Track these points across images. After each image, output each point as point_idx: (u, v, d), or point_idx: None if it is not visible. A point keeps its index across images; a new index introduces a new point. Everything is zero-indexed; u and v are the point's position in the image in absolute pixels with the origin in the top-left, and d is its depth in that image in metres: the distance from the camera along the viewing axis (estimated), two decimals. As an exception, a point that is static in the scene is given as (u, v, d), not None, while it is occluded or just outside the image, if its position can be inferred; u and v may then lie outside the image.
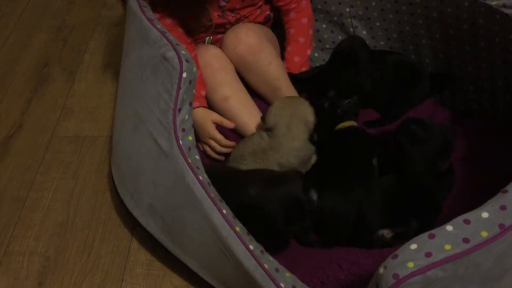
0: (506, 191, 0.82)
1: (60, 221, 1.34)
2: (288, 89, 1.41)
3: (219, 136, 1.30)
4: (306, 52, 1.50)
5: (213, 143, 1.32)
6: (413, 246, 0.77)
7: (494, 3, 1.16)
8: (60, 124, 1.62)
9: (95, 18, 2.04)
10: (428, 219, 1.10)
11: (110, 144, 1.51)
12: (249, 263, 0.94)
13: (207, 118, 1.30)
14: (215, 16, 1.42)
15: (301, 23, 1.48)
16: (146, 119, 1.11)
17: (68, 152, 1.53)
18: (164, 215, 1.11)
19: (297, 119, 1.26)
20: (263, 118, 1.29)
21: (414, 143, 1.14)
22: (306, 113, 1.27)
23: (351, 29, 1.56)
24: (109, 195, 1.39)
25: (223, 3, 1.41)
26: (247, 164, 1.23)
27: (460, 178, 1.22)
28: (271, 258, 0.98)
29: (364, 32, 1.55)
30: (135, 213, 1.20)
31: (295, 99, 1.33)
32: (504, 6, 1.14)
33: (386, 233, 1.07)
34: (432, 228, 1.02)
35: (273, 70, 1.40)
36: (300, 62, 1.48)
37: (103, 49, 1.90)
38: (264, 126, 1.28)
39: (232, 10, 1.43)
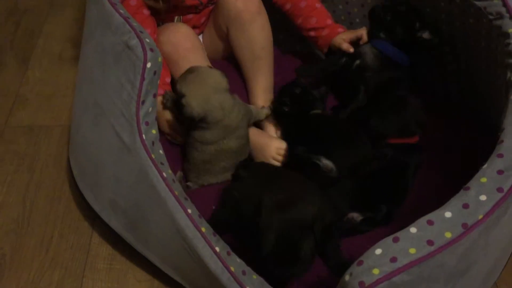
0: (468, 188, 0.83)
1: (16, 217, 1.28)
2: (268, 62, 1.37)
3: None
4: (329, 14, 1.43)
5: None
6: (378, 251, 0.77)
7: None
8: (14, 114, 1.54)
9: (49, 0, 1.95)
10: (396, 201, 1.12)
11: (68, 134, 1.45)
12: (215, 266, 0.92)
13: None
14: None
15: None
16: (107, 111, 1.07)
17: (22, 143, 1.46)
18: (127, 211, 1.07)
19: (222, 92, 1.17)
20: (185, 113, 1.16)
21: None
22: (221, 81, 1.18)
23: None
24: (67, 188, 1.34)
25: None
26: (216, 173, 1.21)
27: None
28: (238, 260, 0.97)
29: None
30: (96, 208, 1.16)
31: (201, 72, 1.18)
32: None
33: (356, 216, 1.08)
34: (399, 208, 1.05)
35: (263, 38, 1.36)
36: (333, 24, 1.42)
37: (58, 33, 1.81)
38: (193, 122, 1.17)
39: None
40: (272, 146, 1.26)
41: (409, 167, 1.16)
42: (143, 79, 1.01)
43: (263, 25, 1.36)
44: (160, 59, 1.04)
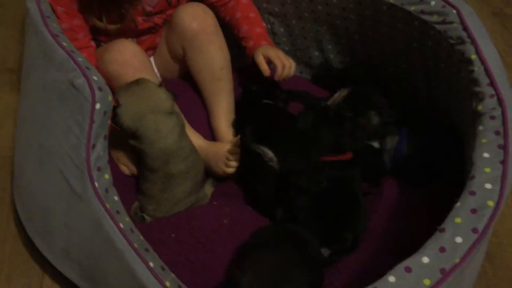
0: (444, 230, 0.81)
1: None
2: (228, 82, 1.33)
3: None
4: (262, 24, 1.39)
5: None
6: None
7: (412, 8, 1.14)
8: None
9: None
10: (357, 222, 1.09)
11: (8, 166, 1.35)
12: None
13: None
14: (140, 21, 1.29)
15: (243, 3, 1.38)
16: (54, 154, 0.98)
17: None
18: (82, 262, 0.99)
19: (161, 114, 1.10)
20: (115, 123, 1.10)
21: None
22: (164, 103, 1.11)
23: (269, 25, 1.50)
24: (13, 226, 1.24)
25: (149, 8, 1.29)
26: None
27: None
28: None
29: (282, 30, 1.50)
30: (48, 256, 1.07)
31: (146, 88, 1.11)
32: (423, 12, 1.12)
33: (324, 251, 1.05)
34: (362, 229, 1.03)
35: (221, 58, 1.31)
36: (263, 32, 1.37)
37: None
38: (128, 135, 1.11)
39: (159, 13, 1.32)
40: (221, 152, 1.21)
41: (353, 181, 1.13)
42: (92, 121, 0.93)
43: (220, 45, 1.31)
44: (110, 98, 0.96)
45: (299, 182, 1.09)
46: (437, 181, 1.14)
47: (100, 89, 0.94)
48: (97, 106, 0.93)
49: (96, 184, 0.92)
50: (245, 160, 1.17)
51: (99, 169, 0.94)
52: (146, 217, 1.13)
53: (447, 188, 1.05)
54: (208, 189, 1.22)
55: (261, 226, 1.09)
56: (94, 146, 0.94)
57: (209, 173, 1.24)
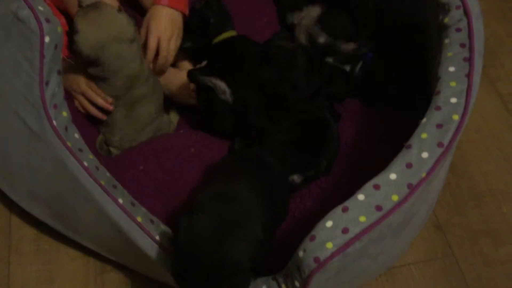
0: (410, 146, 0.81)
1: None
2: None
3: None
4: None
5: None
6: (329, 224, 0.75)
7: None
8: None
9: None
10: (329, 148, 1.07)
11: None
12: (158, 256, 0.87)
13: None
14: None
15: None
16: (6, 94, 0.92)
17: None
18: (50, 202, 0.97)
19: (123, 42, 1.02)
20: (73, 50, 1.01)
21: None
22: (127, 30, 1.03)
23: None
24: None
25: None
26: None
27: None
28: None
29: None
30: (14, 198, 1.05)
31: (106, 13, 1.02)
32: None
33: (297, 178, 1.05)
34: (335, 153, 1.03)
35: None
36: None
37: None
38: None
39: None
40: (184, 81, 1.13)
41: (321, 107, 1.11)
42: (42, 56, 0.87)
43: None
44: (60, 29, 0.90)
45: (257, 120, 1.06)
46: (402, 102, 1.14)
47: (47, 20, 0.88)
48: (46, 39, 0.87)
49: (54, 122, 0.88)
50: (200, 93, 1.12)
51: (55, 106, 0.89)
52: (112, 149, 1.10)
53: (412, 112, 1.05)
54: (174, 117, 1.19)
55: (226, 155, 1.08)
56: (47, 82, 0.88)
57: (173, 102, 1.20)
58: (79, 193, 0.90)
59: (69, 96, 1.08)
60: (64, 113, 0.91)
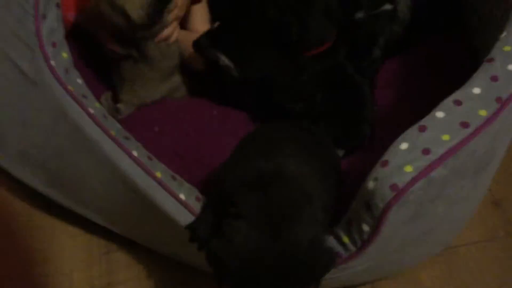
0: (492, 60, 0.66)
1: None
2: None
3: None
4: None
5: None
6: (404, 146, 0.60)
7: None
8: None
9: None
10: (367, 114, 0.91)
11: None
12: (183, 219, 0.70)
13: None
14: None
15: None
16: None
17: None
18: (46, 164, 0.81)
19: None
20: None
21: None
22: None
23: None
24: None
25: None
26: None
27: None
28: None
29: None
30: (2, 164, 0.88)
31: None
32: None
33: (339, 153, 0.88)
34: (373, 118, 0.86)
35: None
36: None
37: None
38: None
39: None
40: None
41: (345, 68, 0.95)
42: (38, -17, 0.73)
43: None
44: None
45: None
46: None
47: None
48: (43, -38, 0.73)
49: (52, 62, 0.73)
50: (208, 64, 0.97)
51: (54, 44, 0.74)
52: (121, 107, 0.92)
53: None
54: (185, 81, 1.03)
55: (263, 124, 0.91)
56: (44, 16, 0.74)
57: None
58: (83, 148, 0.74)
59: (73, 39, 0.92)
60: (64, 54, 0.76)
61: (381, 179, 0.57)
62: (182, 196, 0.71)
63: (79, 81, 0.77)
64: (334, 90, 0.90)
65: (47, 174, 0.82)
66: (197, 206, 0.71)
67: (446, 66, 0.94)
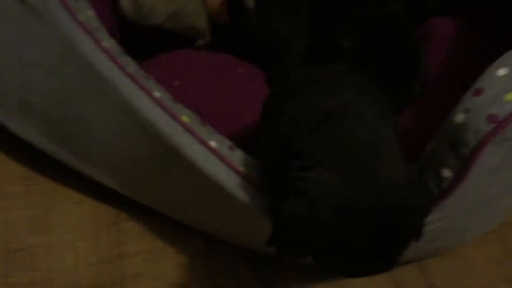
0: None
1: None
2: None
3: None
4: None
5: None
6: (502, 71, 0.49)
7: None
8: None
9: None
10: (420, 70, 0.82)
11: None
12: (216, 168, 0.58)
13: None
14: None
15: None
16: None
17: None
18: (50, 114, 0.69)
19: None
20: None
21: None
22: None
23: None
24: None
25: None
26: None
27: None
28: (246, 157, 0.62)
29: None
30: (1, 119, 0.76)
31: None
32: None
33: None
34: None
35: None
36: None
37: None
38: None
39: None
40: None
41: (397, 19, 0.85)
42: None
43: None
44: None
45: None
46: None
47: None
48: None
49: (59, -13, 0.61)
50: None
51: (61, -33, 0.63)
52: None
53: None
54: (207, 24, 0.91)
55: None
56: None
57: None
58: (93, 91, 0.63)
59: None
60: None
61: (475, 110, 0.47)
62: (213, 144, 0.60)
63: (90, 13, 0.66)
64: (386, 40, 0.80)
65: (50, 126, 0.70)
66: (231, 156, 0.60)
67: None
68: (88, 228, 0.76)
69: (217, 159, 0.59)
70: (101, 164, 0.70)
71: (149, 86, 0.62)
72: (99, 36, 0.63)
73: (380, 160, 0.43)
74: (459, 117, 0.47)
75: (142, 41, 0.83)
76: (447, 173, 0.49)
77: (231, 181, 0.58)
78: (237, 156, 0.61)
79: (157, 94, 0.62)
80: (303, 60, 0.86)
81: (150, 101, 0.61)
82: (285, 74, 0.77)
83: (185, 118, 0.61)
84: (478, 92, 0.47)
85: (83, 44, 0.62)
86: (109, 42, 0.63)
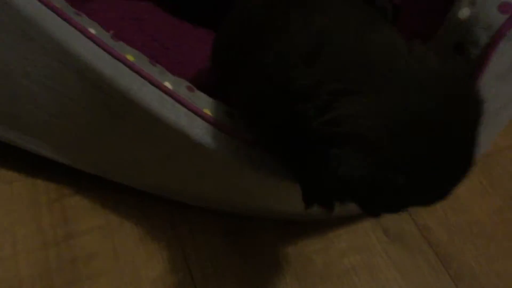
0: None
1: None
2: None
3: None
4: None
5: None
6: None
7: None
8: None
9: None
10: None
11: None
12: (176, 112, 0.48)
13: None
14: None
15: None
16: None
17: None
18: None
19: None
20: None
21: None
22: None
23: None
24: None
25: None
26: None
27: None
28: (207, 98, 0.52)
29: None
30: None
31: None
32: None
33: None
34: None
35: None
36: None
37: None
38: None
39: None
40: None
41: None
42: None
43: None
44: None
45: None
46: None
47: None
48: None
49: None
50: None
51: None
52: None
53: None
54: None
55: None
56: None
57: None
58: (12, 32, 0.50)
59: None
60: None
61: (482, 1, 0.39)
62: (167, 85, 0.50)
63: None
64: None
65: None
66: (191, 98, 0.50)
67: None
68: (24, 209, 0.64)
69: (175, 102, 0.49)
70: (31, 127, 0.58)
71: (82, 22, 0.51)
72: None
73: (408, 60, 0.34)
74: (464, 12, 0.40)
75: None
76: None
77: (195, 127, 0.49)
78: (199, 97, 0.51)
79: (92, 30, 0.50)
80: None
81: (85, 39, 0.49)
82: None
83: (129, 57, 0.50)
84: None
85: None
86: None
